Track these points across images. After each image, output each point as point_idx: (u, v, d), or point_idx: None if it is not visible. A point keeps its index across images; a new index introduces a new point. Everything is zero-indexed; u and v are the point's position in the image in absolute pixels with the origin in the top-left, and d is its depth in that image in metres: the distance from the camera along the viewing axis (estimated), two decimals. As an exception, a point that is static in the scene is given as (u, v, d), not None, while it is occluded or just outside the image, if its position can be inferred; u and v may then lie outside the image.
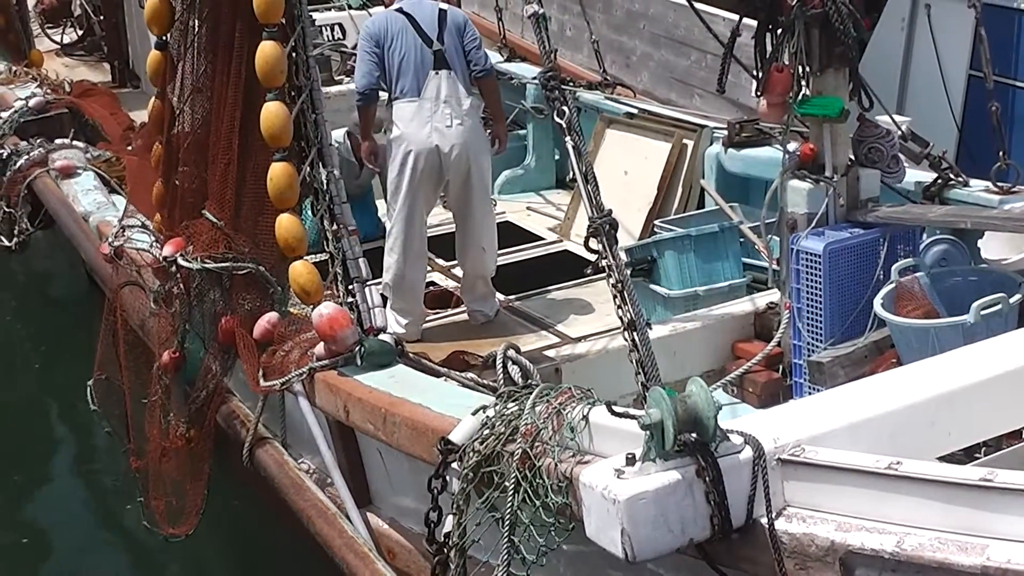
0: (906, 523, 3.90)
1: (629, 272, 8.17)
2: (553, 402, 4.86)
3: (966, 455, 5.29)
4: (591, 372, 7.39)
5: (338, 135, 9.17)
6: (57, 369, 10.97)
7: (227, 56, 6.98)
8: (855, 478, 4.05)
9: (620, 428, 4.51)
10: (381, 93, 8.55)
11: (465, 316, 8.98)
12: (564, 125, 5.19)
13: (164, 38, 7.71)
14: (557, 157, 11.96)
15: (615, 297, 4.99)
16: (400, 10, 8.51)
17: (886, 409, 4.55)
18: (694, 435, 4.14)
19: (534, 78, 10.93)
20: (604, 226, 5.02)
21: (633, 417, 4.34)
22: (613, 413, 4.54)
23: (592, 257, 5.19)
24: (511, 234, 10.72)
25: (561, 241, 10.55)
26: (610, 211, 5.09)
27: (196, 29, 7.32)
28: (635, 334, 4.87)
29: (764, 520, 4.15)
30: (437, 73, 8.38)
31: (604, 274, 5.09)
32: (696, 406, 4.14)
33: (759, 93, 7.48)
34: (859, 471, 4.05)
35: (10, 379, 11.30)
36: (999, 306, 6.51)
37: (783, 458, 4.23)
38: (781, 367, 7.68)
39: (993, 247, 7.69)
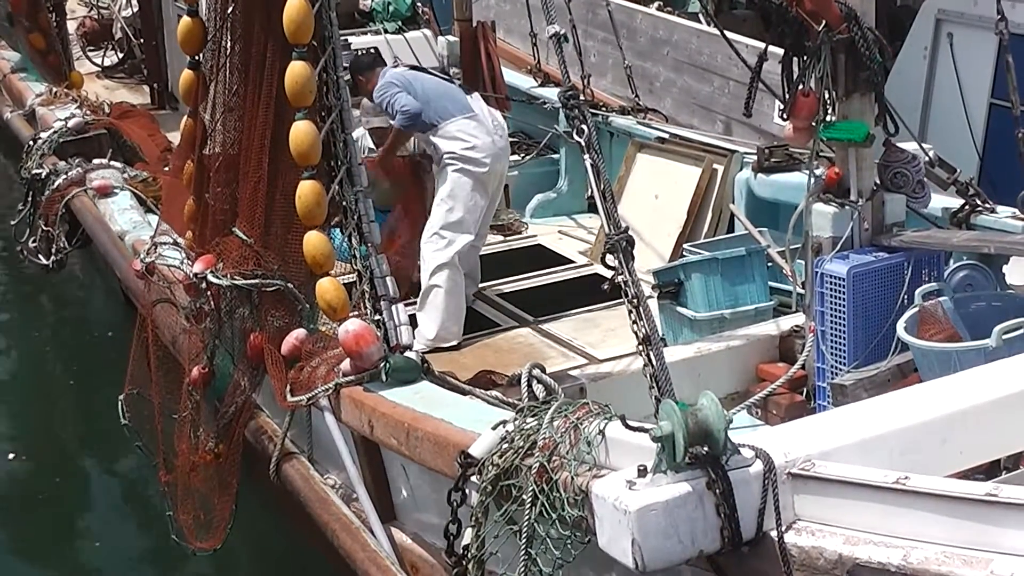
0: (912, 537, 3.96)
1: (657, 294, 8.35)
2: (571, 417, 4.90)
3: (987, 476, 5.32)
4: (615, 392, 7.37)
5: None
6: (91, 386, 11.07)
7: (258, 76, 7.06)
8: (863, 492, 4.11)
9: (635, 442, 4.57)
10: None
11: (494, 338, 9.11)
12: (583, 143, 5.26)
13: (197, 58, 7.83)
14: (589, 181, 12.01)
15: (630, 313, 5.05)
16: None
17: (897, 426, 4.60)
18: (705, 448, 4.20)
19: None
20: (621, 243, 5.08)
21: (646, 430, 4.40)
22: (627, 427, 4.60)
23: (609, 274, 5.24)
24: (542, 257, 10.82)
25: (591, 264, 10.61)
26: (627, 228, 5.14)
27: (228, 49, 7.42)
28: (649, 349, 4.92)
29: (774, 533, 4.20)
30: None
31: (621, 291, 5.15)
32: (707, 419, 4.19)
33: (784, 117, 7.52)
34: (867, 485, 4.11)
35: (45, 395, 11.41)
36: (1022, 330, 6.49)
37: (793, 472, 4.28)
38: (805, 390, 7.69)
39: (1018, 273, 7.68)
